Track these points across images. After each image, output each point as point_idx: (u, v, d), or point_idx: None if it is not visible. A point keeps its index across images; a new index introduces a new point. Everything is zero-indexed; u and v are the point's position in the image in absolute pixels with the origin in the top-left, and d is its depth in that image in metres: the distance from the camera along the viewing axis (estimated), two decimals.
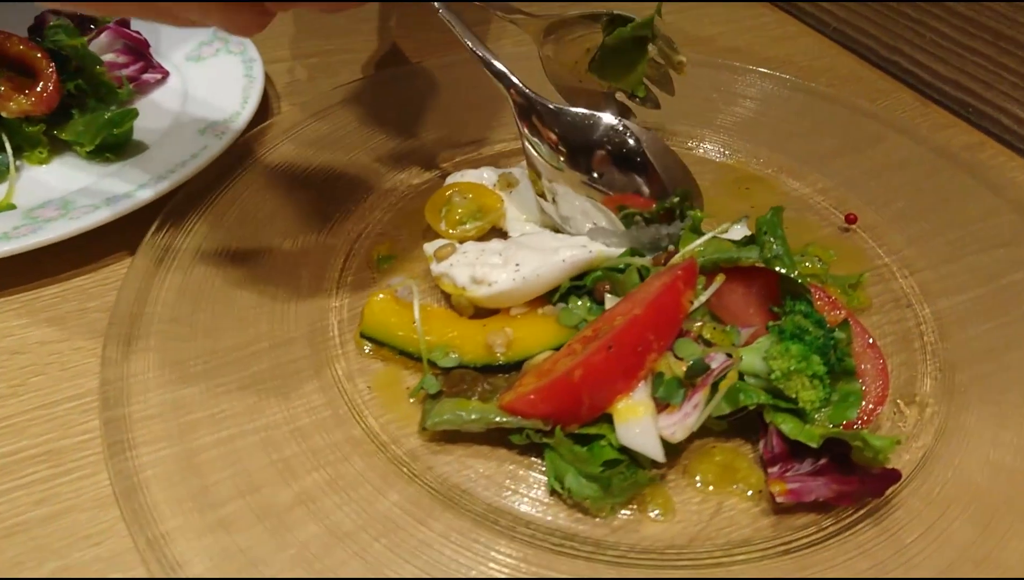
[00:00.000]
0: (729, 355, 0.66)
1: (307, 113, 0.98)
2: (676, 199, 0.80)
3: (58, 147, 0.93)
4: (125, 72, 1.01)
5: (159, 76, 1.04)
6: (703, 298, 0.69)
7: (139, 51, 1.03)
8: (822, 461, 0.63)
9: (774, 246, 0.73)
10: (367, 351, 0.74)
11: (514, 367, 0.71)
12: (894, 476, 0.63)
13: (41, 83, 0.90)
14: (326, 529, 0.59)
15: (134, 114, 0.91)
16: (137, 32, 1.04)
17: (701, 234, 0.77)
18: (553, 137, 0.81)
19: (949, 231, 0.87)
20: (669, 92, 0.93)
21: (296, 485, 0.62)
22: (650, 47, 0.87)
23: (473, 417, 0.65)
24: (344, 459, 0.64)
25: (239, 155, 0.90)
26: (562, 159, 0.81)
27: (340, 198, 0.89)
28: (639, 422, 0.62)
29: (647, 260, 0.75)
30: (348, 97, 1.01)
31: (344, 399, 0.69)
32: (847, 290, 0.79)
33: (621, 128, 0.81)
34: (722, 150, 1.00)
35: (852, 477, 0.63)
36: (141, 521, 0.58)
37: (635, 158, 0.80)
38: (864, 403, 0.67)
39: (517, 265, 0.74)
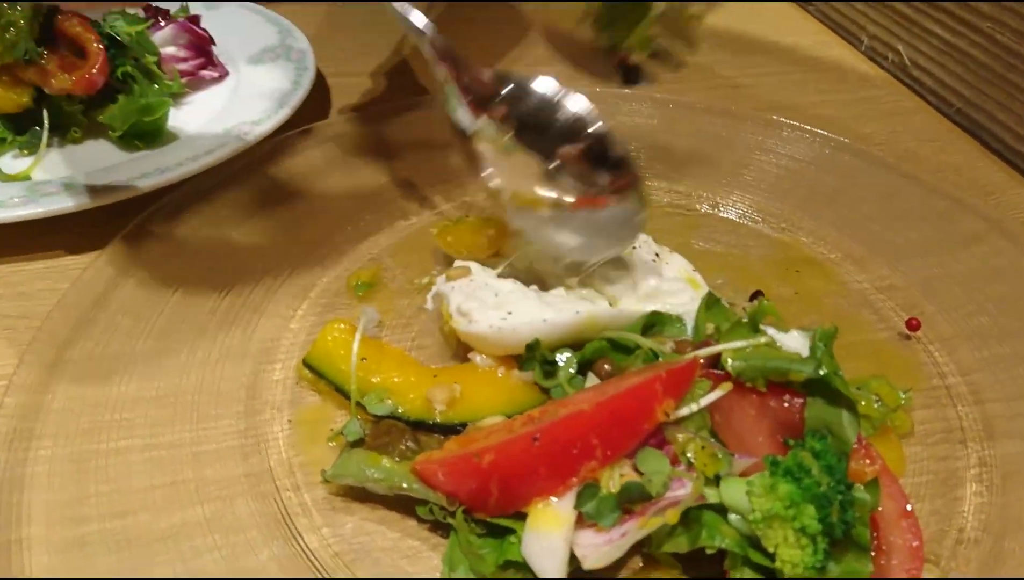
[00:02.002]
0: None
1: (334, 128, 0.94)
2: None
3: (95, 129, 0.93)
4: (183, 66, 1.02)
5: (216, 75, 1.04)
6: (686, 410, 0.56)
7: (202, 48, 1.04)
8: None
9: (832, 362, 0.58)
10: (302, 382, 0.67)
11: (452, 429, 0.62)
12: None
13: (87, 64, 0.91)
14: (183, 573, 0.53)
15: (166, 104, 0.91)
16: (204, 29, 1.05)
17: (756, 331, 0.61)
18: (501, 112, 0.70)
19: None
20: (691, 48, 0.81)
21: (173, 516, 0.56)
22: (656, 2, 0.76)
23: (377, 476, 0.57)
24: (232, 497, 0.58)
25: (256, 158, 0.87)
26: (508, 137, 0.70)
27: (343, 217, 0.84)
28: (548, 536, 0.51)
29: (666, 346, 0.63)
30: (384, 116, 0.96)
31: (257, 430, 0.62)
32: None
33: (585, 111, 0.68)
34: (781, 224, 0.87)
35: None
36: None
37: (603, 148, 0.68)
38: None
39: (509, 313, 0.66)
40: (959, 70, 1.09)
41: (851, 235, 0.85)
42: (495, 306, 0.66)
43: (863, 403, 0.63)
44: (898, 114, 1.11)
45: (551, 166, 0.68)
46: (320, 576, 0.53)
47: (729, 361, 0.58)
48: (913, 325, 0.74)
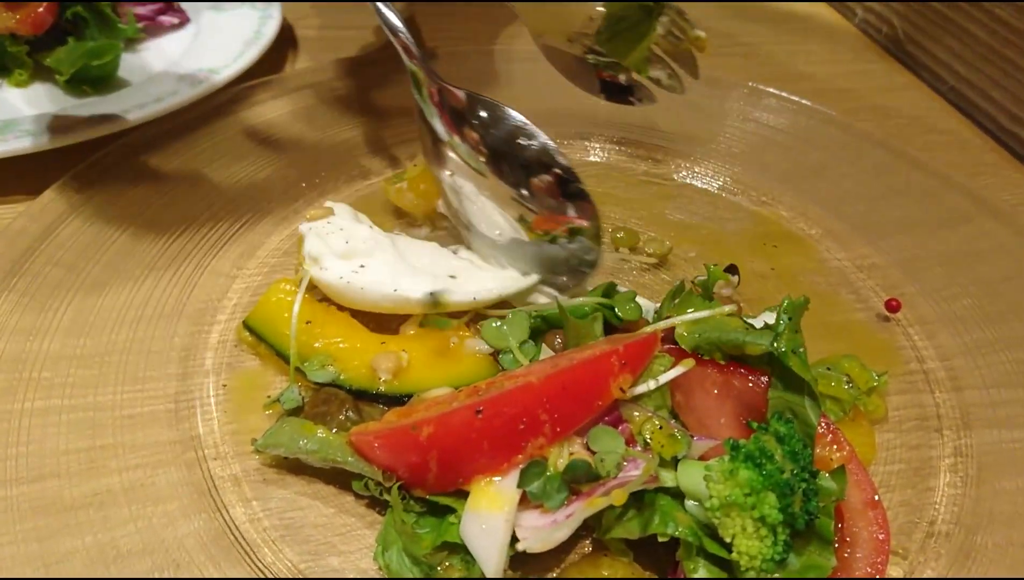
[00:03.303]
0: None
1: (298, 81, 0.88)
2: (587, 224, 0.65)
3: (43, 73, 0.88)
4: (140, 10, 0.96)
5: (176, 20, 0.98)
6: (644, 387, 0.52)
7: None
8: None
9: (796, 338, 0.54)
10: (241, 345, 0.63)
11: (397, 400, 0.58)
12: None
13: (33, 3, 0.86)
14: (91, 546, 0.49)
15: (116, 48, 0.86)
16: None
17: (710, 300, 0.59)
18: (475, 137, 0.67)
19: (1021, 348, 0.67)
20: (693, 74, 0.77)
21: (87, 484, 0.52)
22: (661, 20, 0.73)
23: (311, 447, 0.53)
24: (155, 466, 0.54)
25: (210, 108, 0.82)
26: (482, 160, 0.67)
27: (298, 173, 0.79)
28: (489, 517, 0.47)
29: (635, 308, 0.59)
30: (348, 72, 0.91)
31: (189, 394, 0.58)
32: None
33: (549, 143, 0.66)
34: (760, 197, 0.83)
35: None
36: None
37: (567, 180, 0.66)
38: None
39: (362, 266, 0.63)
40: (955, 45, 1.04)
41: (833, 211, 0.81)
42: (345, 254, 0.63)
43: (832, 384, 0.60)
44: (890, 90, 1.07)
45: (520, 193, 0.67)
46: (243, 552, 0.50)
47: (684, 334, 0.54)
48: (893, 306, 0.70)
